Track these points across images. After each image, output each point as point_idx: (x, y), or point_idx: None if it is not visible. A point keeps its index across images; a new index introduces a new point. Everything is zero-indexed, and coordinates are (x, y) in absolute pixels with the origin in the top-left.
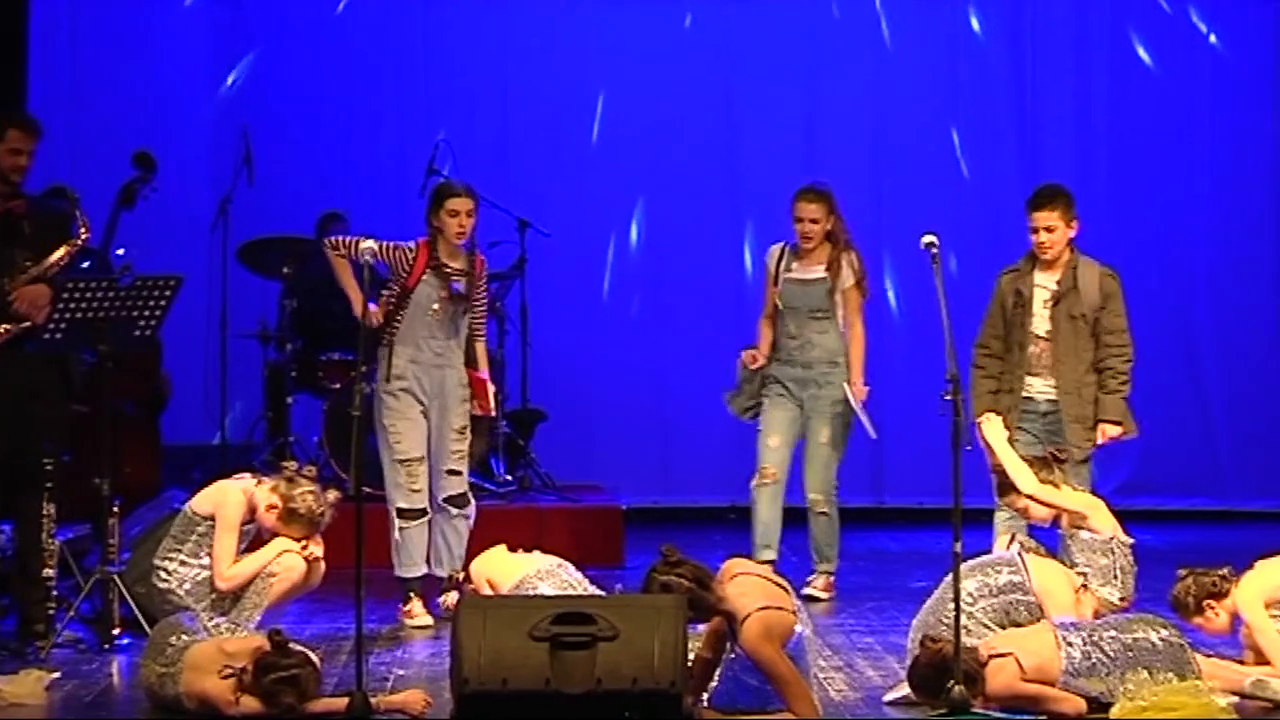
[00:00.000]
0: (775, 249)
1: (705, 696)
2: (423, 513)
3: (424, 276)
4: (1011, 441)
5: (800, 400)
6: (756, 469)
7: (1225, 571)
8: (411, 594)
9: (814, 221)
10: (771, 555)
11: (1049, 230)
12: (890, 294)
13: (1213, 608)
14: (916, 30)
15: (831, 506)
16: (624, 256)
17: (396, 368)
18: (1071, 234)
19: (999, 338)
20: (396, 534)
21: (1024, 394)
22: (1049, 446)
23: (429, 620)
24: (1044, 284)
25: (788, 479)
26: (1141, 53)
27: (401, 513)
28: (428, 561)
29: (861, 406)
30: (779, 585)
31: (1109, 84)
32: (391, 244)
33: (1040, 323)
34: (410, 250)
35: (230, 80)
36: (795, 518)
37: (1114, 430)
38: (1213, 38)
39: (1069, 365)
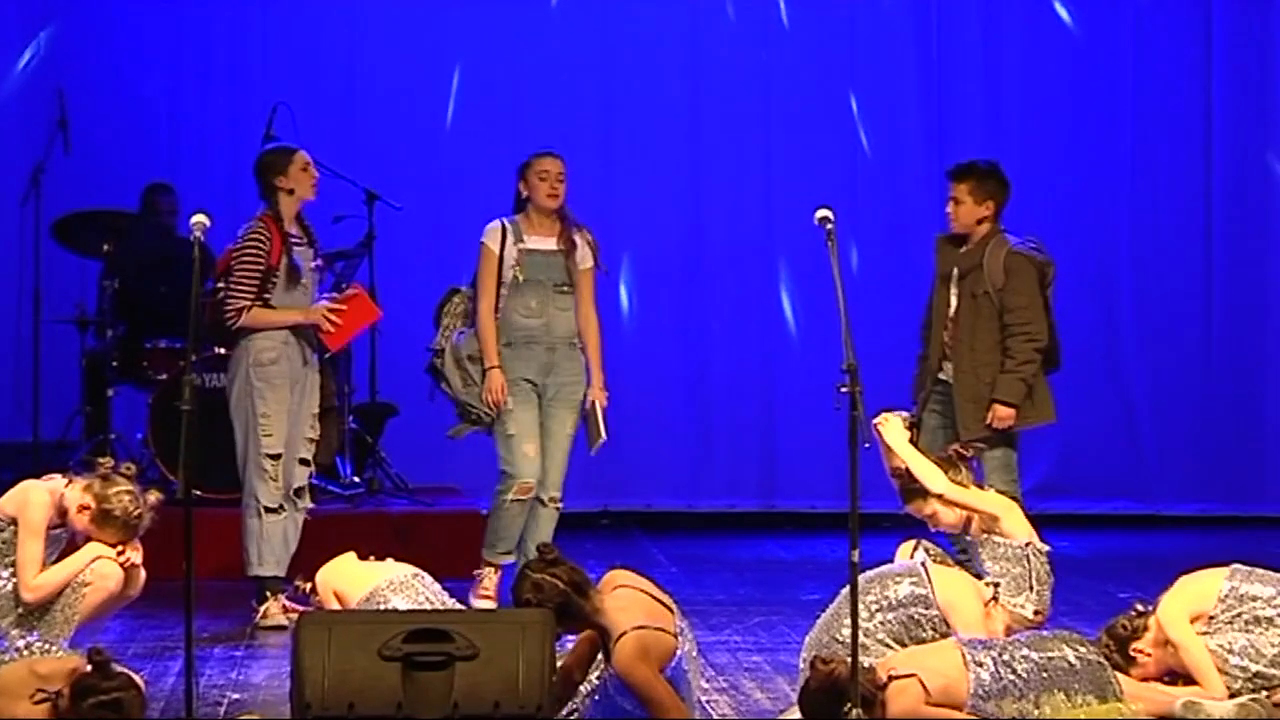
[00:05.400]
0: (494, 227)
1: (574, 718)
2: (281, 508)
3: (282, 249)
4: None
5: (540, 388)
6: (510, 480)
7: (1135, 609)
8: (268, 592)
9: (561, 180)
10: (513, 559)
11: (956, 202)
12: (782, 276)
13: (1139, 651)
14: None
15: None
16: (476, 231)
17: (269, 350)
18: (984, 212)
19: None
20: (256, 528)
21: (940, 376)
22: (949, 445)
23: (285, 621)
24: (957, 262)
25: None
26: (1059, 7)
27: (266, 509)
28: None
29: (601, 413)
30: (662, 603)
31: (1021, 42)
32: (241, 245)
33: (953, 301)
34: (262, 231)
35: (42, 35)
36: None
37: (1005, 411)
38: None
39: (966, 345)
